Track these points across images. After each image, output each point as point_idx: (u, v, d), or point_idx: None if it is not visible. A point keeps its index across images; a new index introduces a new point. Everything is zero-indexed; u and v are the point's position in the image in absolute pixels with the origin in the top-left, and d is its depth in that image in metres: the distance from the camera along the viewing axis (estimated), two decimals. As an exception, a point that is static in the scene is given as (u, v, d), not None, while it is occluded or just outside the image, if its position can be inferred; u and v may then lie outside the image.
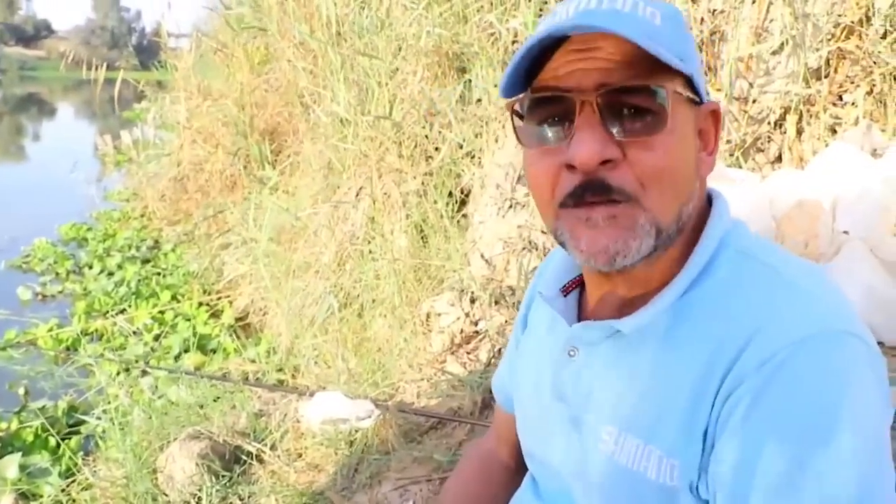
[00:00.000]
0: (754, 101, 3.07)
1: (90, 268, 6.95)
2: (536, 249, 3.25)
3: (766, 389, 0.70)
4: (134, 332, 5.09)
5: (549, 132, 0.80)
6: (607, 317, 0.87)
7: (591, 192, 0.77)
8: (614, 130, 0.76)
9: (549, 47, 0.78)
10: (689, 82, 0.80)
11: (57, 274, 6.89)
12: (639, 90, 0.75)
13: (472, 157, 3.76)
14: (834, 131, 3.00)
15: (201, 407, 3.06)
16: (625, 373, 0.84)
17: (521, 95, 0.83)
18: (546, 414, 0.96)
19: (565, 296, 0.97)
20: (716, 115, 0.86)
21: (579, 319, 0.95)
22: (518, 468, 1.14)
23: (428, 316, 3.31)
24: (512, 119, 0.84)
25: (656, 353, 0.81)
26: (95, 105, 28.72)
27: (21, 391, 4.30)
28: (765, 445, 0.69)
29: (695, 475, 0.76)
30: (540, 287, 0.99)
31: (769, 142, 3.12)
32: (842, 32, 2.93)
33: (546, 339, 0.99)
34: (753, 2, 3.01)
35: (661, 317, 0.81)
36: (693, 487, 0.77)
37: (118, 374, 4.20)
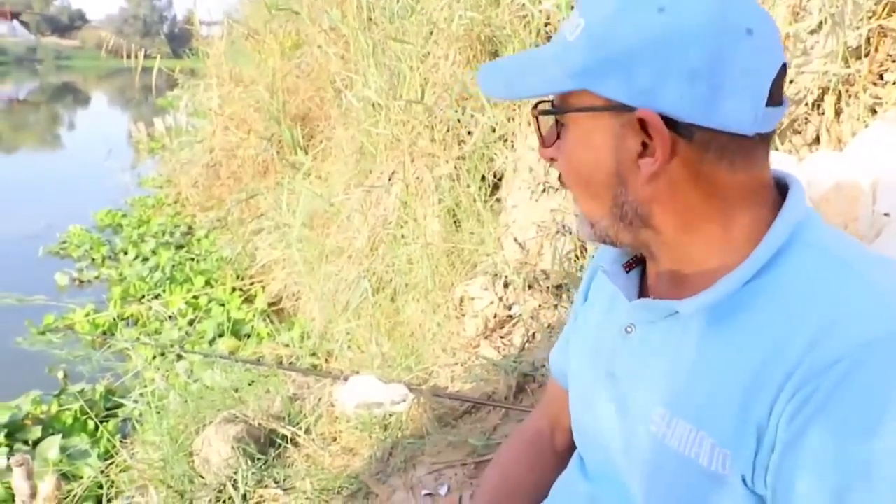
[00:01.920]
0: (791, 82, 3.00)
1: (125, 253, 7.06)
2: (570, 233, 3.22)
3: (837, 391, 0.68)
4: (169, 317, 5.18)
5: None
6: (668, 296, 0.87)
7: (560, 180, 0.91)
8: (544, 138, 0.90)
9: None
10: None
11: (93, 260, 7.02)
12: (538, 104, 0.88)
13: (505, 140, 3.74)
14: (874, 111, 2.93)
15: (236, 391, 3.10)
16: (680, 355, 0.83)
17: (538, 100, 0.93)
18: (598, 390, 0.96)
19: (627, 271, 0.96)
20: (642, 122, 0.77)
21: (640, 296, 0.94)
22: (566, 449, 1.14)
23: (461, 300, 3.31)
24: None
25: (715, 339, 0.80)
26: (130, 93, 29.09)
27: (60, 375, 4.39)
28: (828, 450, 0.68)
29: (748, 469, 0.75)
30: (602, 261, 0.98)
31: (806, 123, 3.05)
32: (883, 9, 2.85)
33: (605, 314, 0.99)
34: (791, -21, 2.95)
35: (723, 302, 0.80)
36: (746, 480, 0.76)
37: (154, 358, 4.27)
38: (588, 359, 1.00)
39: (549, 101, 0.86)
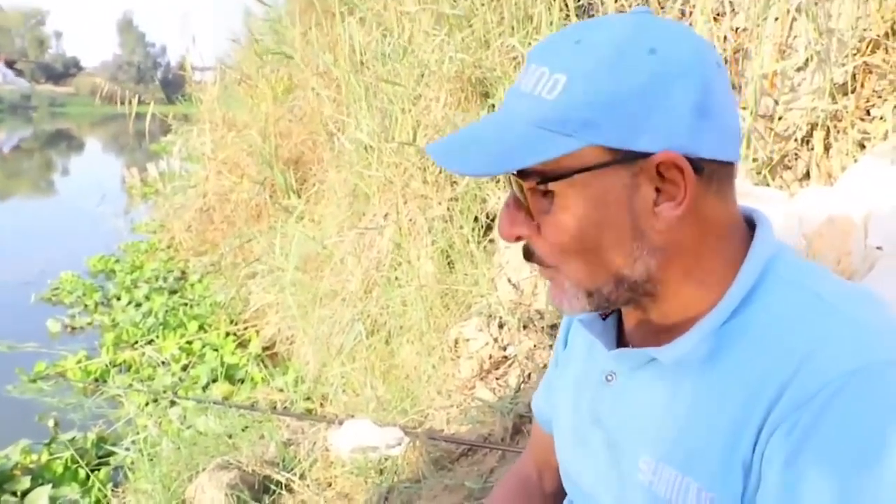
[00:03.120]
0: (780, 119, 3.04)
1: (118, 299, 7.02)
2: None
3: (816, 424, 0.67)
4: (162, 363, 5.12)
5: None
6: (645, 343, 0.86)
7: (525, 257, 0.83)
8: (524, 209, 0.80)
9: None
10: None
11: (85, 306, 6.96)
12: (527, 174, 0.77)
13: (498, 181, 3.76)
14: (863, 146, 2.96)
15: (230, 437, 3.06)
16: (662, 402, 0.82)
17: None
18: (583, 436, 0.94)
19: (604, 319, 0.94)
20: (666, 165, 0.74)
21: (618, 343, 0.93)
22: (556, 492, 1.12)
23: (456, 342, 3.29)
24: None
25: (695, 382, 0.79)
26: (124, 139, 29.23)
27: (51, 423, 4.33)
28: (814, 482, 0.67)
29: None
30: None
31: (796, 159, 3.08)
32: (867, 47, 2.90)
33: (585, 361, 0.98)
34: (776, 19, 2.99)
35: (700, 345, 0.79)
36: None
37: (147, 404, 4.22)
38: (571, 406, 0.98)
39: (531, 170, 0.76)
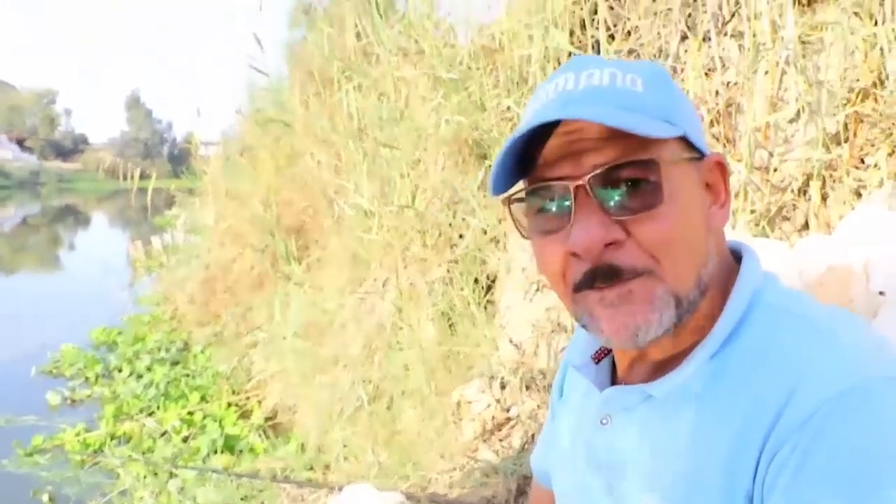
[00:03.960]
0: (775, 170, 3.04)
1: (119, 371, 6.98)
2: (566, 331, 3.19)
3: (813, 446, 0.66)
4: (162, 434, 5.06)
5: (550, 221, 0.79)
6: (639, 381, 0.84)
7: (601, 279, 0.75)
8: (612, 211, 0.74)
9: (538, 133, 0.76)
10: (685, 140, 0.79)
11: (86, 378, 6.92)
12: (629, 166, 0.74)
13: (497, 242, 3.76)
14: (859, 195, 2.96)
15: (229, 507, 2.98)
16: (659, 439, 0.80)
17: (515, 189, 0.82)
18: (582, 484, 0.92)
19: (597, 362, 0.94)
20: (720, 165, 0.83)
21: (612, 385, 0.91)
22: None
23: (458, 404, 3.24)
24: (510, 212, 0.83)
25: (691, 416, 0.77)
26: (129, 214, 29.51)
27: (45, 498, 4.25)
28: (822, 498, 0.64)
29: None
30: (571, 357, 0.97)
31: (794, 209, 3.08)
32: (857, 97, 2.92)
33: (581, 408, 0.96)
34: (766, 72, 3.03)
35: (693, 378, 0.78)
36: None
37: (145, 476, 4.14)
38: (569, 456, 0.96)
39: (630, 161, 0.74)
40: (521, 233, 0.84)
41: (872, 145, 2.98)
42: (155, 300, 10.15)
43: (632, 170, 0.74)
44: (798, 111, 2.96)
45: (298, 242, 6.17)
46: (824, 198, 3.01)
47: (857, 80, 2.92)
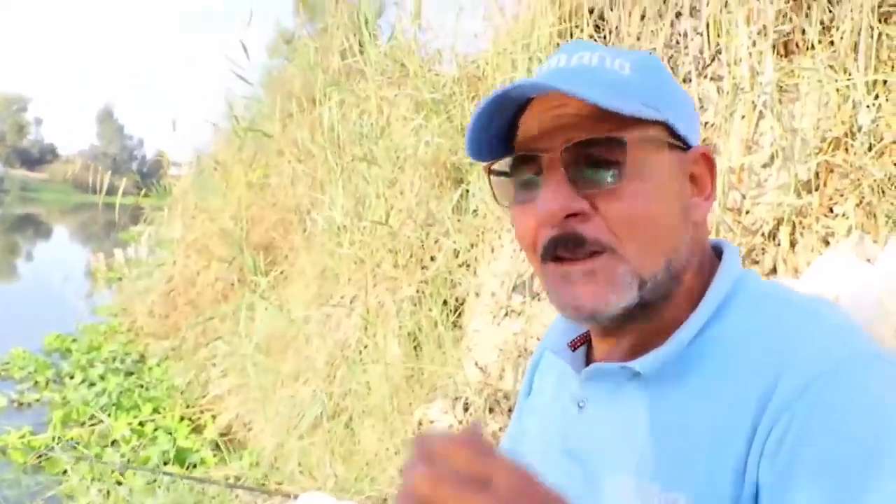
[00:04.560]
0: (747, 212, 3.10)
1: (71, 377, 6.81)
2: (531, 356, 3.19)
3: (811, 419, 0.66)
4: (112, 443, 4.92)
5: (525, 190, 0.81)
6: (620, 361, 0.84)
7: (562, 246, 0.77)
8: (580, 184, 0.76)
9: (524, 105, 0.81)
10: (672, 128, 0.80)
11: (36, 382, 6.74)
12: (602, 142, 0.75)
13: (468, 266, 3.76)
14: (827, 242, 3.02)
15: (178, 512, 2.90)
16: (639, 419, 0.80)
17: (497, 161, 0.84)
18: (555, 474, 0.90)
19: (573, 351, 0.94)
20: (706, 158, 0.83)
21: None
22: None
23: (420, 423, 3.21)
24: (489, 179, 0.85)
25: (672, 396, 0.78)
26: (93, 228, 29.03)
27: (-18, 499, 4.10)
28: (814, 480, 0.65)
29: None
30: (547, 342, 0.97)
31: (763, 253, 3.13)
32: (829, 146, 3.00)
33: (554, 399, 0.95)
34: (743, 117, 3.11)
35: (677, 357, 0.78)
36: None
37: (92, 480, 4.01)
38: (541, 446, 0.95)
39: (603, 137, 0.76)
40: (496, 199, 0.85)
41: (841, 195, 3.06)
42: (113, 311, 9.95)
43: (600, 147, 0.76)
44: (772, 156, 3.03)
45: (267, 259, 6.12)
46: (793, 243, 3.08)
47: (830, 129, 3.00)
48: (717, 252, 0.88)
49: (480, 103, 0.78)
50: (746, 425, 0.70)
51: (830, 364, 0.68)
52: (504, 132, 0.83)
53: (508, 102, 0.79)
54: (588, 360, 0.94)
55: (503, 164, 0.83)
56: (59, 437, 4.96)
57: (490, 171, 0.84)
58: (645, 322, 0.81)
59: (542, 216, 0.77)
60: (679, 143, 0.80)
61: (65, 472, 4.14)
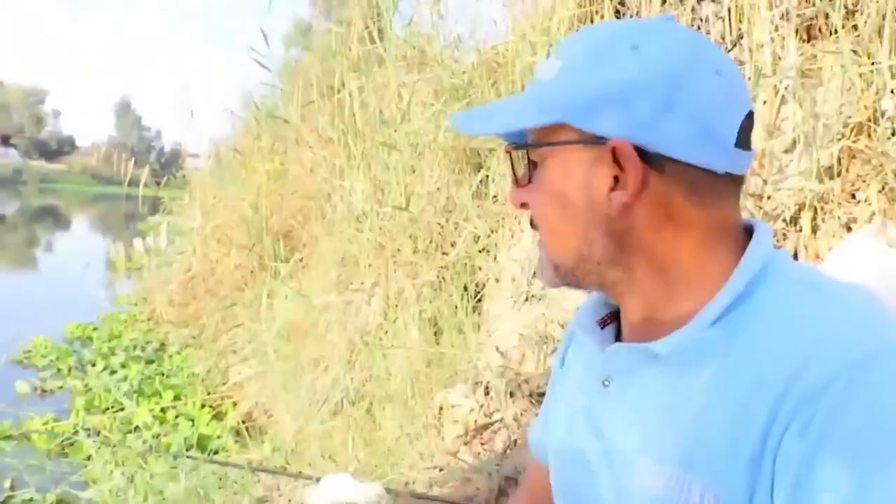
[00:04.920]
0: (769, 198, 3.09)
1: (93, 365, 6.87)
2: (553, 341, 3.20)
3: (830, 419, 0.66)
4: (134, 429, 4.98)
5: None
6: (642, 341, 0.84)
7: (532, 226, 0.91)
8: (518, 180, 0.90)
9: None
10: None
11: (58, 370, 6.80)
12: (518, 147, 0.88)
13: (488, 252, 3.78)
14: (849, 228, 3.01)
15: (202, 492, 2.94)
16: (661, 400, 0.80)
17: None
18: (580, 452, 0.91)
19: (602, 328, 0.95)
20: (616, 150, 0.78)
21: None
22: None
23: (441, 408, 3.23)
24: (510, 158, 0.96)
25: (693, 378, 0.77)
26: (112, 219, 29.21)
27: (7, 484, 4.15)
28: (834, 477, 0.65)
29: None
30: (577, 319, 0.97)
31: (785, 239, 3.12)
32: (851, 132, 2.99)
33: (583, 374, 0.96)
34: (765, 102, 3.09)
35: (698, 339, 0.78)
36: None
37: (115, 465, 4.06)
38: (566, 420, 0.96)
39: (515, 144, 0.88)
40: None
41: (864, 181, 3.04)
42: (133, 300, 10.04)
43: (517, 152, 0.88)
44: (794, 141, 3.02)
45: (286, 246, 6.15)
46: (815, 229, 3.06)
47: (853, 115, 2.98)
48: (751, 233, 0.86)
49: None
50: (768, 413, 0.70)
51: (859, 355, 0.67)
52: None
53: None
54: (618, 337, 0.94)
55: None
56: (82, 424, 5.01)
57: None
58: (636, 300, 0.86)
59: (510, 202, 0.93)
60: (590, 137, 0.79)
61: (89, 457, 4.18)
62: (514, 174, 0.90)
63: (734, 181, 0.82)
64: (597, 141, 0.79)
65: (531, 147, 0.86)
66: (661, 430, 0.79)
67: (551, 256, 0.87)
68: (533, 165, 0.86)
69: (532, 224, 0.90)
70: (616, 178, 0.79)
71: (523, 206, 0.89)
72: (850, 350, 0.68)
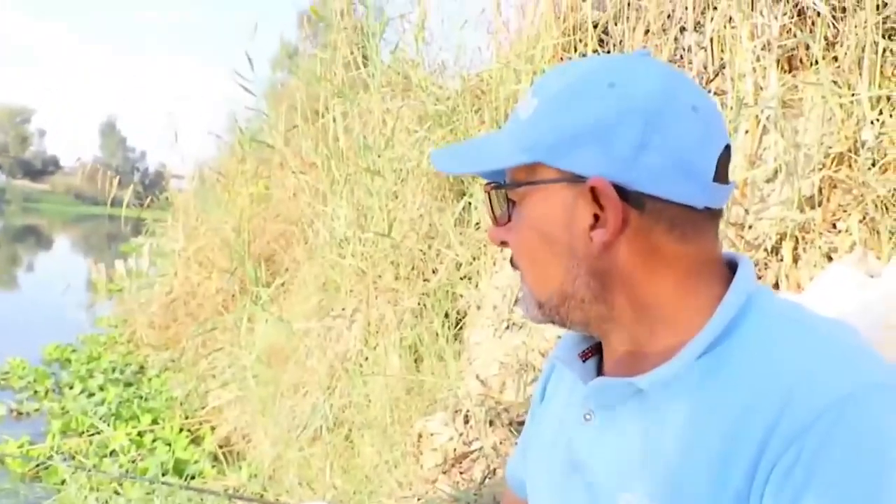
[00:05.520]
0: (750, 227, 3.10)
1: (70, 388, 6.80)
2: (534, 370, 3.18)
3: (816, 458, 0.66)
4: (110, 453, 4.90)
5: None
6: (625, 375, 0.83)
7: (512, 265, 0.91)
8: (496, 218, 0.89)
9: None
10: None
11: (35, 392, 6.74)
12: (498, 186, 0.87)
13: (470, 279, 3.76)
14: (830, 258, 3.02)
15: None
16: (643, 435, 0.79)
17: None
18: (560, 485, 0.90)
19: (584, 361, 0.94)
20: (594, 189, 0.78)
21: None
22: None
23: (420, 436, 3.19)
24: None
25: (679, 411, 0.77)
26: (94, 239, 29.02)
27: (-22, 509, 4.08)
28: None
29: None
30: (558, 351, 0.96)
31: (766, 269, 3.13)
32: (832, 162, 3.00)
33: (564, 407, 0.95)
34: (746, 131, 3.11)
35: (682, 374, 0.77)
36: None
37: (91, 489, 3.99)
38: (547, 454, 0.95)
39: (492, 184, 0.88)
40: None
41: (845, 211, 3.05)
42: (113, 322, 9.95)
43: (497, 191, 0.87)
44: (775, 170, 3.03)
45: (268, 271, 6.12)
46: (796, 259, 3.07)
47: (833, 145, 3.00)
48: (732, 266, 0.86)
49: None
50: (751, 451, 0.69)
51: (843, 393, 0.67)
52: None
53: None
54: (600, 370, 0.93)
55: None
56: (57, 447, 4.94)
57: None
58: (621, 336, 0.85)
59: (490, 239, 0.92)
60: (569, 176, 0.79)
61: (63, 482, 4.12)
62: (493, 212, 0.89)
63: (713, 215, 0.83)
64: (575, 179, 0.78)
65: (509, 187, 0.85)
66: (644, 466, 0.78)
67: (535, 295, 0.87)
68: (511, 204, 0.86)
69: (512, 263, 0.90)
70: (596, 217, 0.78)
71: (503, 244, 0.89)
72: (834, 388, 0.67)
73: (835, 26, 2.91)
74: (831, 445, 0.65)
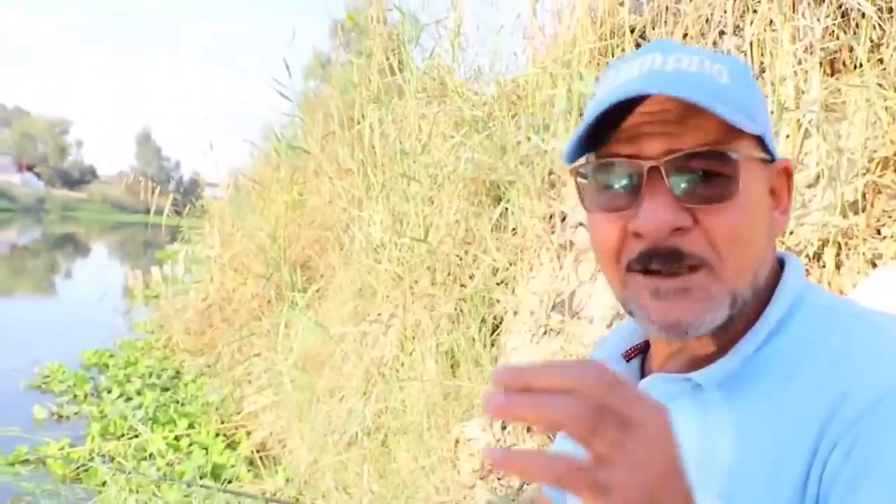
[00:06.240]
0: (791, 233, 3.06)
1: (109, 392, 6.90)
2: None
3: (876, 441, 0.64)
4: (148, 456, 4.97)
5: (615, 198, 0.78)
6: (680, 372, 0.82)
7: (658, 260, 0.75)
8: (682, 197, 0.74)
9: (616, 108, 0.75)
10: (760, 141, 0.78)
11: (75, 396, 6.86)
12: (709, 155, 0.73)
13: (506, 284, 3.75)
14: (874, 265, 2.96)
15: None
16: (697, 431, 0.78)
17: (583, 160, 0.81)
18: None
19: (627, 362, 0.93)
20: (788, 171, 0.82)
21: None
22: None
23: (457, 441, 3.19)
24: (576, 182, 0.82)
25: (732, 409, 0.76)
26: (131, 246, 29.47)
27: (23, 509, 4.15)
28: (882, 495, 0.63)
29: None
30: (600, 353, 0.95)
31: (808, 275, 3.08)
32: (876, 166, 2.95)
33: None
34: (788, 136, 3.07)
35: (738, 370, 0.77)
36: None
37: (130, 491, 4.04)
38: None
39: (711, 151, 0.73)
40: (583, 204, 0.82)
41: (889, 216, 3.00)
42: (149, 328, 10.09)
43: (709, 160, 0.73)
44: (818, 175, 2.98)
45: (304, 277, 6.16)
46: (838, 265, 3.02)
47: (878, 149, 2.95)
48: (781, 264, 0.85)
49: (594, 106, 0.75)
50: (808, 442, 0.68)
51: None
52: (585, 136, 0.78)
53: (599, 113, 0.75)
54: (643, 370, 0.93)
55: (588, 167, 0.80)
56: (97, 450, 5.02)
57: (577, 175, 0.82)
58: (718, 334, 0.79)
59: (648, 229, 0.73)
60: (767, 155, 0.78)
61: (104, 483, 4.18)
62: (673, 186, 0.74)
63: None
64: (770, 159, 0.79)
65: (737, 160, 0.73)
66: (701, 463, 0.76)
67: (734, 287, 0.75)
68: (723, 179, 0.74)
69: (678, 257, 0.74)
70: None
71: (677, 231, 0.74)
72: (888, 379, 0.66)
73: (881, 27, 2.86)
74: (888, 432, 0.64)
